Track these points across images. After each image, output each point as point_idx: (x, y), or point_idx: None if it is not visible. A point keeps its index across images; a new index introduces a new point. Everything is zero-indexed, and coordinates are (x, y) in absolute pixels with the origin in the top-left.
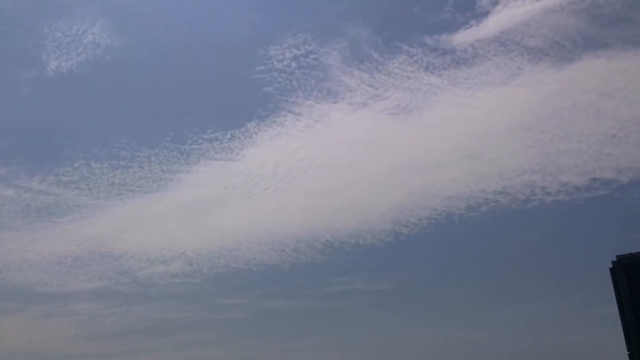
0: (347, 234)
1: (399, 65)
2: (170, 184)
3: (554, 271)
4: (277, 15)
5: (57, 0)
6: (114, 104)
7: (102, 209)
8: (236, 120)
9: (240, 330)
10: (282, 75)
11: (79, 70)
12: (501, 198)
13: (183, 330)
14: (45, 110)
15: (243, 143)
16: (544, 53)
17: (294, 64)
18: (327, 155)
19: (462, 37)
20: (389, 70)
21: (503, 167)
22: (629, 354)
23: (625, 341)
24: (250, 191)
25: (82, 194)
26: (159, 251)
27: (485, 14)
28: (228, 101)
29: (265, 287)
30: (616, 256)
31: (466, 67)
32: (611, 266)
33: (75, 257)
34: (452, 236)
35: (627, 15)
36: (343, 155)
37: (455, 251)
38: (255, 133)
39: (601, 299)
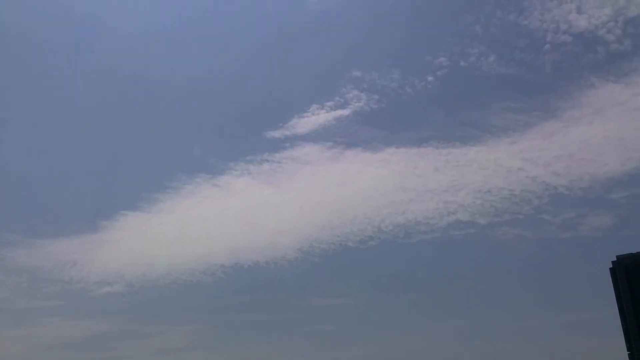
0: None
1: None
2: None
3: (546, 275)
4: None
5: None
6: None
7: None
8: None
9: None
10: None
11: None
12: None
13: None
14: None
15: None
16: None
17: None
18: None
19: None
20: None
21: None
22: (629, 354)
23: (625, 341)
24: (183, 231)
25: None
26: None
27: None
28: None
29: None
30: (616, 256)
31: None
32: (611, 266)
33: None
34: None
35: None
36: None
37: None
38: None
39: (601, 299)
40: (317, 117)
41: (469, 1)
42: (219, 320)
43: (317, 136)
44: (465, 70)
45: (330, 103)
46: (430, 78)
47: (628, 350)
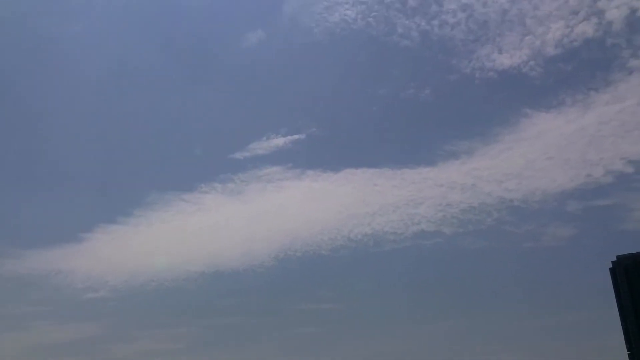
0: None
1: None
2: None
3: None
4: None
5: None
6: None
7: None
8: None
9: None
10: None
11: None
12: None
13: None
14: None
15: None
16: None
17: None
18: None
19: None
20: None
21: None
22: (629, 354)
23: (625, 341)
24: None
25: None
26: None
27: None
28: None
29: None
30: (616, 256)
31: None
32: (611, 266)
33: None
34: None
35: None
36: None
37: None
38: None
39: (601, 299)
40: (276, 141)
41: (396, 46)
42: (204, 323)
43: (278, 158)
44: (404, 102)
45: (284, 129)
46: (374, 108)
47: (628, 350)
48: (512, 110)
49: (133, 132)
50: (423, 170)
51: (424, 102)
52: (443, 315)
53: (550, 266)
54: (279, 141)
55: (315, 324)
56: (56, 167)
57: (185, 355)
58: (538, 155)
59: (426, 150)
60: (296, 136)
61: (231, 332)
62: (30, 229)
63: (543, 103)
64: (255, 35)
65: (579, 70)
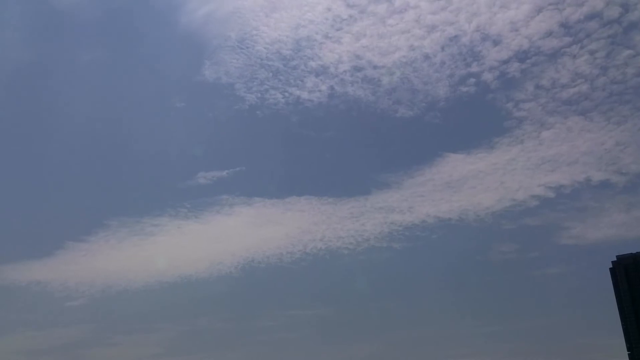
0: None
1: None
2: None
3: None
4: None
5: None
6: None
7: None
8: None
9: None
10: None
11: None
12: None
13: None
14: None
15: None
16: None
17: None
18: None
19: None
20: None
21: None
22: (629, 354)
23: (625, 341)
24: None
25: None
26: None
27: None
28: None
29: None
30: (616, 256)
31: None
32: (611, 266)
33: None
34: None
35: None
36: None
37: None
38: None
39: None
40: (219, 173)
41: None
42: (183, 328)
43: (223, 188)
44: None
45: (228, 162)
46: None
47: (628, 350)
48: (428, 153)
49: (100, 159)
50: (360, 198)
51: (357, 142)
52: (400, 324)
53: (500, 277)
54: (222, 174)
55: (286, 330)
56: (23, 192)
57: (169, 358)
58: (459, 184)
59: (361, 181)
60: (238, 168)
61: (206, 336)
62: (5, 246)
63: (451, 146)
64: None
65: (472, 121)
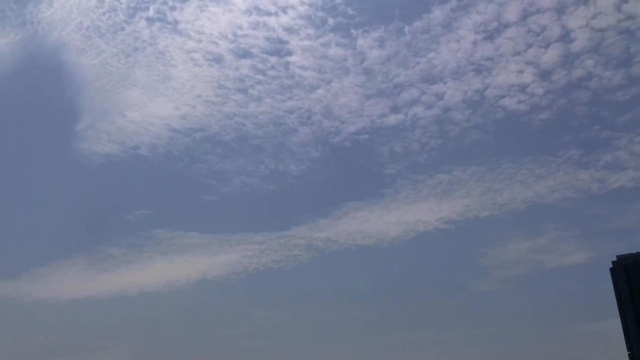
0: None
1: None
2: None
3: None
4: None
5: None
6: None
7: None
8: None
9: None
10: None
11: None
12: None
13: None
14: None
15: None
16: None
17: None
18: None
19: None
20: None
21: None
22: (629, 354)
23: (625, 341)
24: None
25: None
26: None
27: None
28: None
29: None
30: (616, 256)
31: None
32: (611, 266)
33: None
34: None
35: None
36: None
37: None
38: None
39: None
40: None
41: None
42: (155, 337)
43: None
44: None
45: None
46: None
47: (628, 350)
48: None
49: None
50: (292, 230)
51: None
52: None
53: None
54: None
55: (251, 338)
56: None
57: None
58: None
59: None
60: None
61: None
62: None
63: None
64: None
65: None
